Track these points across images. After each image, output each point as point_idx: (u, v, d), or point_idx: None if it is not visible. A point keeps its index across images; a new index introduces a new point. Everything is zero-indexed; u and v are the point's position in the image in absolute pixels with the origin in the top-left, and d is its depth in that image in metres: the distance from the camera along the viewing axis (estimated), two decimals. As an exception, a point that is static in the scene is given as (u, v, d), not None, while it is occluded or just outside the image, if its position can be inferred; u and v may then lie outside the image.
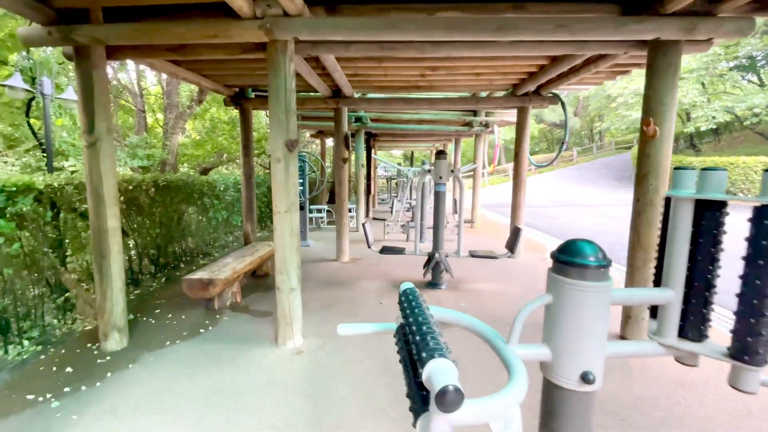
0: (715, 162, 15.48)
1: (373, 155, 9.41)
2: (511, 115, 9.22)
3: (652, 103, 2.90)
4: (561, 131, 38.44)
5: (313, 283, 4.94)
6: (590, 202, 15.39)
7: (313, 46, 3.29)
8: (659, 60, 2.86)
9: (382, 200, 16.40)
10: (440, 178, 4.54)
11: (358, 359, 2.99)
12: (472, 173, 10.22)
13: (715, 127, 16.60)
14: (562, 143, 5.73)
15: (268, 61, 2.90)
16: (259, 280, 5.23)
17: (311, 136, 12.51)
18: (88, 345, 3.29)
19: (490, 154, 15.76)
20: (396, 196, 15.65)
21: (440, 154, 4.55)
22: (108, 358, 3.09)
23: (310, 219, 10.02)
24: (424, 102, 5.83)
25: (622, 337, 3.27)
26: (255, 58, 4.20)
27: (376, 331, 1.01)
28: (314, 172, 6.86)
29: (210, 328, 3.65)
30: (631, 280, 3.12)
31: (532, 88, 5.57)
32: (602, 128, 32.40)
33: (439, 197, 4.63)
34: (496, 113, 9.25)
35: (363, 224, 4.69)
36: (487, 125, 8.93)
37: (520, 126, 6.02)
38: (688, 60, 15.74)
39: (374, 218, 7.73)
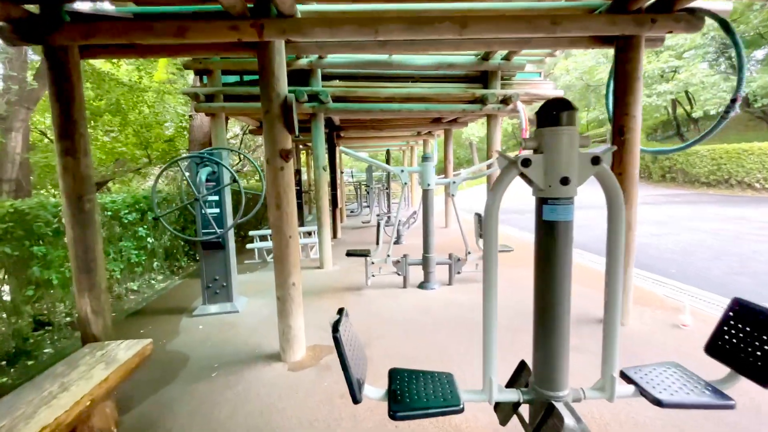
0: (727, 150, 13.77)
1: (343, 148, 6.31)
2: (538, 86, 6.44)
3: None
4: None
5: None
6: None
7: None
8: None
9: (352, 212, 13.20)
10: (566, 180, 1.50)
11: None
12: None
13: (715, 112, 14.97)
14: (733, 101, 2.85)
15: None
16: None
17: (250, 131, 9.11)
18: None
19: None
20: (367, 205, 12.53)
21: (560, 106, 1.52)
22: None
23: (251, 250, 6.67)
24: (449, 24, 2.78)
25: None
26: None
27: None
28: (236, 181, 3.60)
29: None
30: None
31: (653, -3, 2.74)
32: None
33: (565, 232, 1.59)
34: (514, 84, 6.41)
35: (335, 336, 1.53)
36: (505, 101, 6.08)
37: (626, 76, 3.14)
38: (692, 35, 13.97)
39: (349, 253, 4.58)
